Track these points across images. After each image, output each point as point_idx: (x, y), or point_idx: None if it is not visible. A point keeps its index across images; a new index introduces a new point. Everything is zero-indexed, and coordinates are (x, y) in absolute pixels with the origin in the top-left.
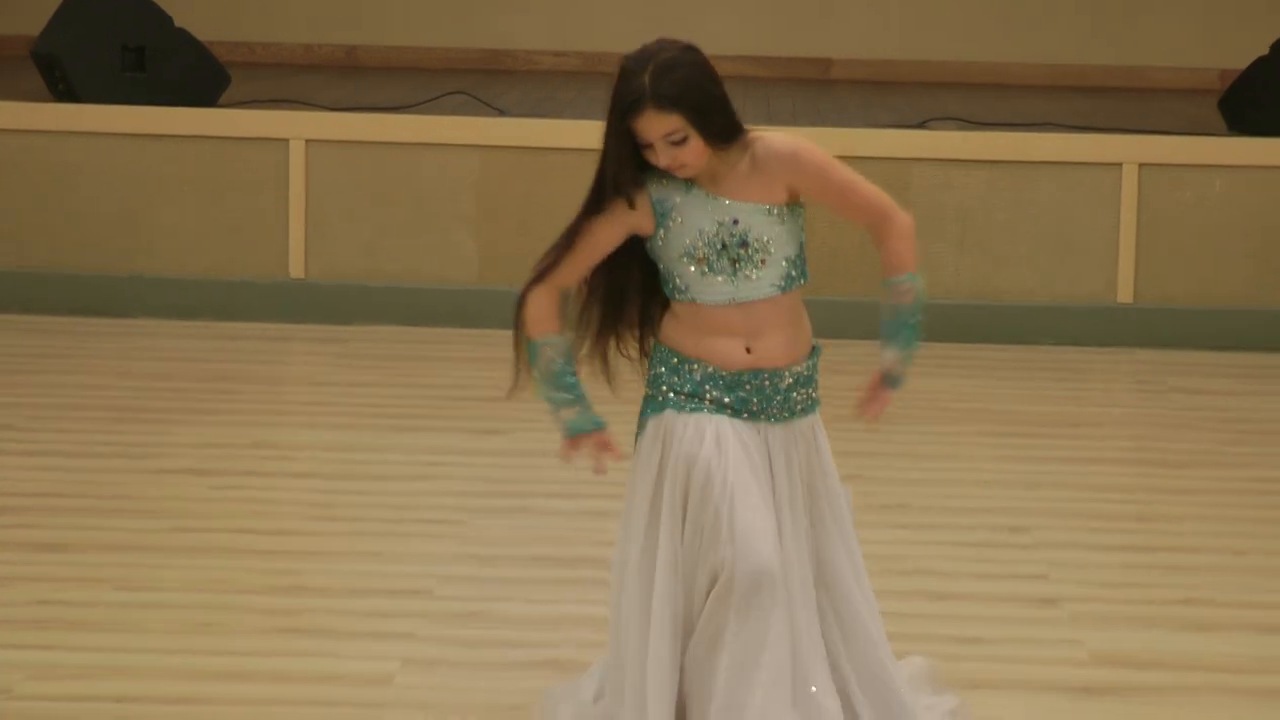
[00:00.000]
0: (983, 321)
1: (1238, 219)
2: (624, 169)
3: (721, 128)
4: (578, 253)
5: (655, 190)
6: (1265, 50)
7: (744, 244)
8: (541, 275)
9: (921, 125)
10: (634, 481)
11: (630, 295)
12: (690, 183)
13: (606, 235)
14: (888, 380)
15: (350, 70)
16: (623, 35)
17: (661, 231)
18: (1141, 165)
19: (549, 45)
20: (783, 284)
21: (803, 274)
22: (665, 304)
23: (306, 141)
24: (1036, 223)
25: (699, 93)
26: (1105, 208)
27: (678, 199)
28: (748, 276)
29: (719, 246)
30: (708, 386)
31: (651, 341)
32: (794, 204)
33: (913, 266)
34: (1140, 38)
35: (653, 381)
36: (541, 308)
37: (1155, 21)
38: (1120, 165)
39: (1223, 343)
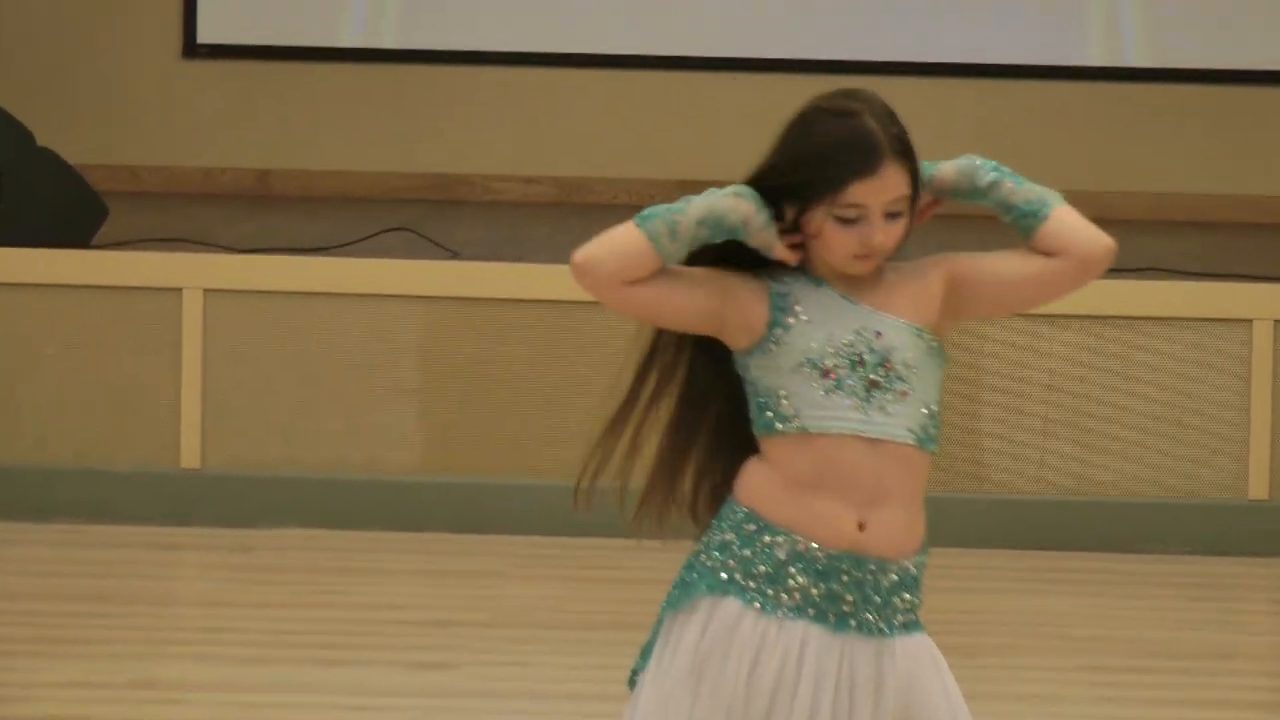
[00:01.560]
0: (1074, 524)
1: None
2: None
3: (915, 216)
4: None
5: (772, 280)
6: None
7: (886, 364)
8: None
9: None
10: (660, 691)
11: (702, 429)
12: (820, 280)
13: (713, 283)
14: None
15: (261, 201)
16: (608, 157)
17: (777, 330)
18: (1278, 321)
19: (515, 169)
20: (920, 435)
21: (936, 442)
22: (740, 455)
23: (205, 291)
24: (1145, 395)
25: (917, 164)
26: (1233, 375)
27: (803, 295)
28: (882, 408)
29: (854, 358)
30: (793, 570)
31: (713, 503)
32: (941, 345)
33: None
34: (1274, 159)
35: (708, 549)
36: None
37: None
38: (1251, 322)
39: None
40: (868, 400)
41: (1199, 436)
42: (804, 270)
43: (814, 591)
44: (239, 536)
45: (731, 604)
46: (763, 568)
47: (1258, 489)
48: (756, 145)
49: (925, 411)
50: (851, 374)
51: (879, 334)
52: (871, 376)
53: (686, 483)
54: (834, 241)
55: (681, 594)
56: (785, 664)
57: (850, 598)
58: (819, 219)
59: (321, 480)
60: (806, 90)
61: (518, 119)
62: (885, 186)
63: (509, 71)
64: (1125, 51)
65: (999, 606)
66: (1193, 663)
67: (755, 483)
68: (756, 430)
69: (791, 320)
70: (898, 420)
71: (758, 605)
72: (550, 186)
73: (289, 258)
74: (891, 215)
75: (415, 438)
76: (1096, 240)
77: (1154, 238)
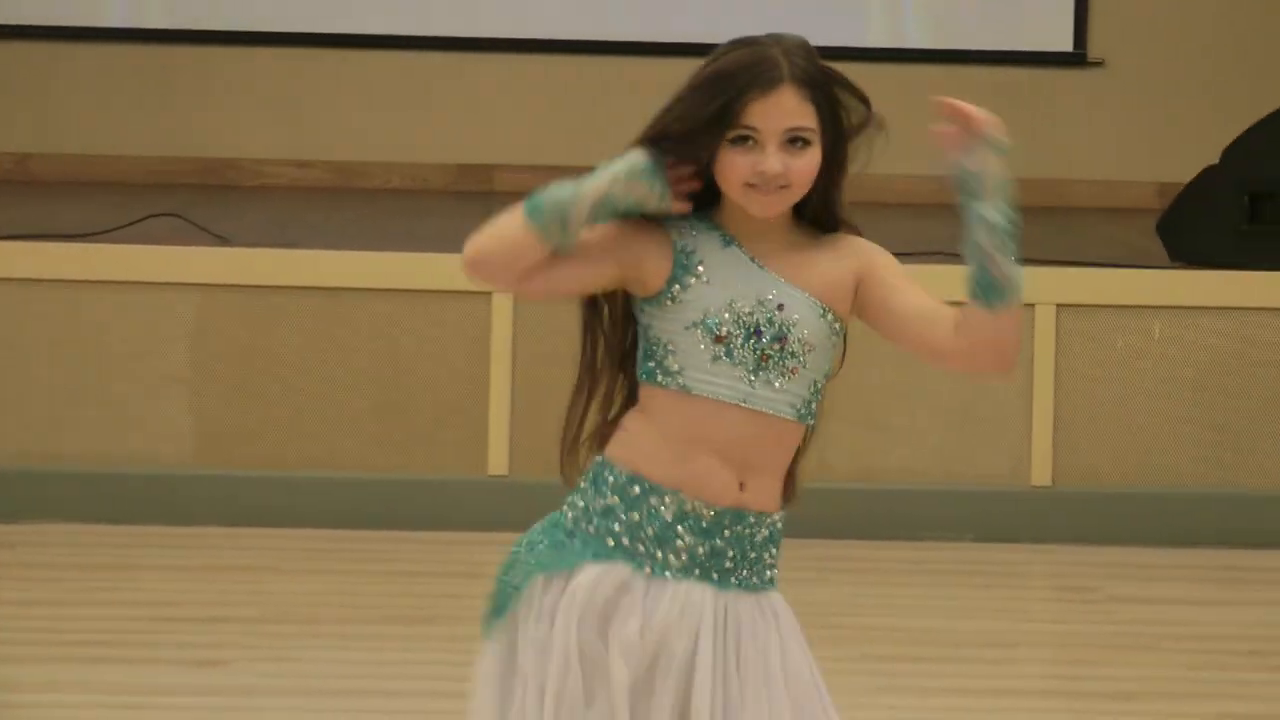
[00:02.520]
0: (864, 511)
1: (1185, 374)
2: (697, 144)
3: (840, 173)
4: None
5: (678, 235)
6: (1214, 158)
7: (781, 339)
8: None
9: None
10: (535, 660)
11: (603, 373)
12: (730, 239)
13: (612, 238)
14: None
15: (21, 186)
16: (383, 141)
17: (676, 287)
18: (1060, 306)
19: (287, 153)
20: (801, 411)
21: (815, 414)
22: (622, 403)
23: None
24: (927, 383)
25: (838, 107)
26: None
27: (709, 253)
28: (769, 382)
29: (751, 329)
30: (680, 529)
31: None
32: (843, 324)
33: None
34: (1058, 145)
35: (587, 515)
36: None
37: (1077, 126)
38: (1033, 306)
39: (1170, 537)
40: (754, 373)
41: (980, 424)
42: (716, 224)
43: (700, 550)
44: (1, 532)
45: (620, 569)
46: (650, 529)
47: (1040, 475)
48: (533, 126)
49: (811, 389)
50: (745, 344)
51: (781, 306)
52: (765, 351)
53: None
54: (727, 168)
55: (556, 557)
56: (675, 622)
57: (731, 553)
58: (720, 148)
59: (88, 474)
60: (584, 71)
61: (289, 101)
62: (781, 109)
63: (280, 53)
64: (906, 32)
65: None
66: (969, 650)
67: (637, 442)
68: (639, 374)
69: (692, 280)
70: (782, 396)
71: (647, 569)
72: (323, 171)
73: (51, 244)
74: (791, 143)
75: (186, 430)
76: (1008, 357)
77: (935, 221)
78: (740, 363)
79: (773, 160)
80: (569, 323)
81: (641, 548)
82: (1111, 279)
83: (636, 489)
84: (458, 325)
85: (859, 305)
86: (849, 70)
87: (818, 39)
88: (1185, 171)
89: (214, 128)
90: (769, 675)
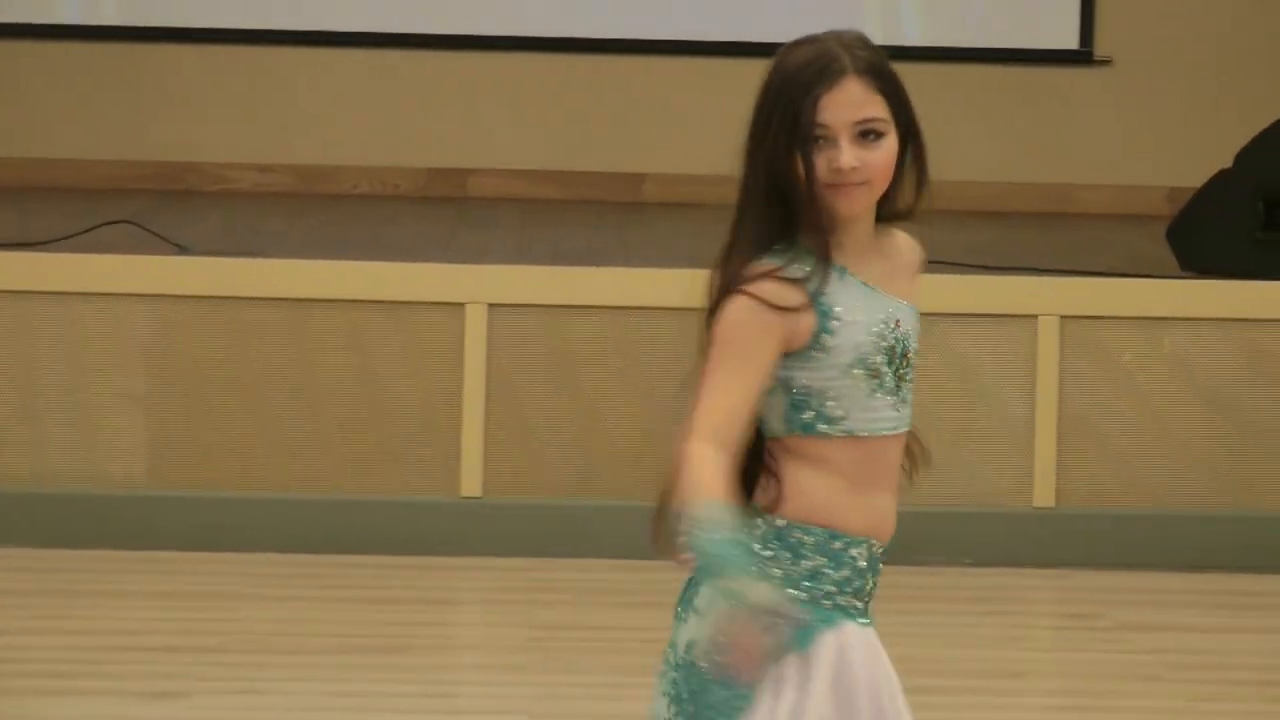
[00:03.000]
0: None
1: (1195, 390)
2: (787, 192)
3: (918, 164)
4: (737, 389)
5: (807, 284)
6: (1228, 162)
7: (905, 354)
8: (710, 429)
9: None
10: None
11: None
12: (843, 270)
13: (768, 358)
14: None
15: None
16: (350, 144)
17: (824, 337)
18: (1064, 318)
19: (250, 157)
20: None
21: None
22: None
23: None
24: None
25: (906, 95)
26: (1016, 375)
27: (835, 292)
28: (904, 400)
29: (889, 355)
30: (869, 575)
31: (761, 522)
32: None
33: None
34: (1063, 148)
35: (793, 582)
36: (708, 474)
37: (1083, 127)
38: (1036, 318)
39: (1180, 561)
40: (897, 394)
41: (981, 442)
42: (813, 252)
43: (869, 587)
44: None
45: (848, 628)
46: (855, 583)
47: (1043, 497)
48: (510, 128)
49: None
50: (889, 370)
51: (899, 323)
52: (899, 370)
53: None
54: (813, 174)
55: (804, 635)
56: (876, 666)
57: (871, 587)
58: (797, 158)
59: (38, 495)
60: (563, 70)
61: (251, 102)
62: (849, 101)
63: (242, 51)
64: (903, 31)
65: None
66: (971, 680)
67: (819, 497)
68: (785, 428)
69: (836, 324)
70: (909, 410)
71: (858, 620)
72: (287, 175)
73: (2, 253)
74: (863, 136)
75: (142, 448)
76: None
77: (936, 229)
78: (889, 390)
79: (846, 155)
80: (548, 333)
81: (857, 602)
82: (1118, 289)
83: (837, 544)
84: (429, 338)
85: None
86: None
87: None
88: (1197, 176)
89: (172, 130)
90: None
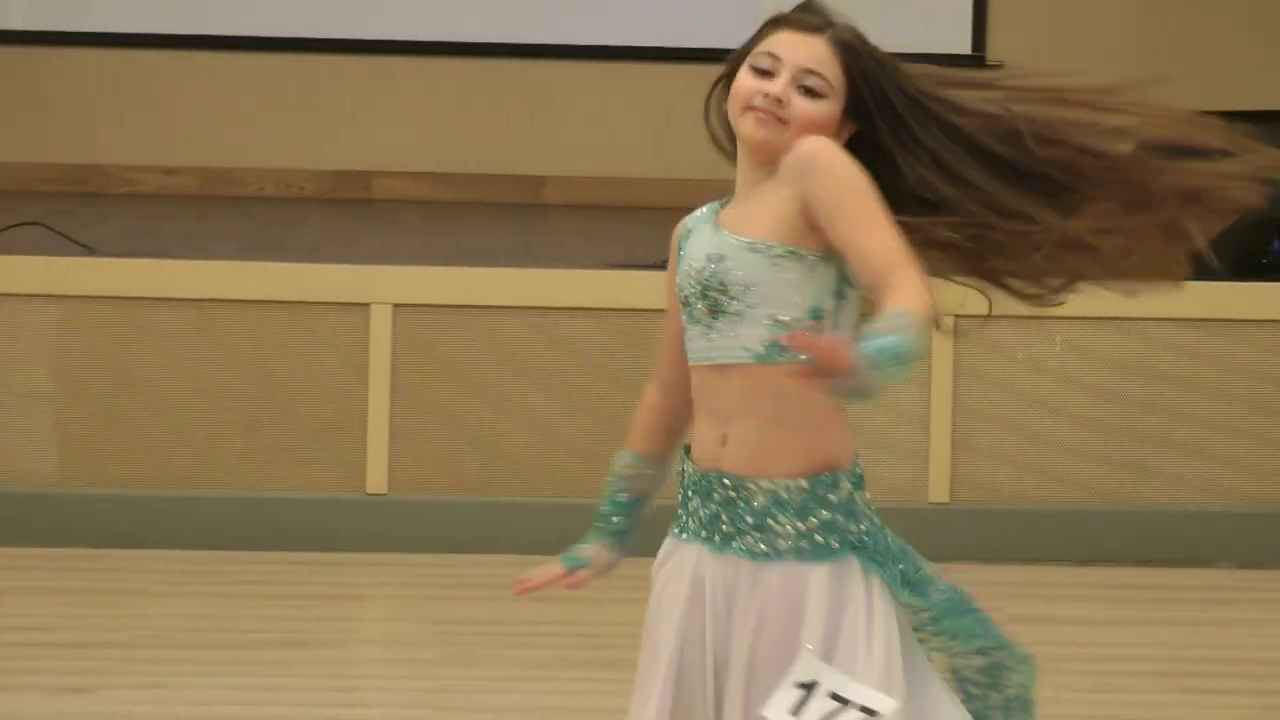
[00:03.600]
0: None
1: (1086, 387)
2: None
3: (913, 148)
4: (666, 320)
5: (686, 226)
6: None
7: (722, 287)
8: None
9: (665, 265)
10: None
11: None
12: (716, 210)
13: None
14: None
15: None
16: (254, 146)
17: (677, 277)
18: (958, 316)
19: (154, 159)
20: (761, 351)
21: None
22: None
23: None
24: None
25: (871, 80)
26: (913, 375)
27: (695, 232)
28: (722, 332)
29: (700, 289)
30: (690, 493)
31: None
32: (809, 251)
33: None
34: None
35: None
36: (638, 413)
37: None
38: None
39: (1071, 555)
40: (710, 327)
41: (877, 438)
42: (730, 196)
43: (702, 513)
44: None
45: (667, 540)
46: (680, 493)
47: (938, 492)
48: (413, 132)
49: (772, 323)
50: (698, 302)
51: (722, 257)
52: (711, 303)
53: None
54: (738, 88)
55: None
56: (676, 581)
57: (725, 517)
58: (744, 77)
59: None
60: (466, 75)
61: (157, 105)
62: (808, 51)
63: (147, 55)
64: None
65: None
66: None
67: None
68: None
69: (680, 264)
70: (735, 341)
71: (676, 529)
72: (192, 177)
73: None
74: (805, 89)
75: (50, 447)
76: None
77: None
78: (698, 320)
79: (778, 88)
80: (451, 333)
81: (680, 512)
82: None
83: (683, 452)
84: (334, 338)
85: (808, 214)
86: None
87: (719, 44)
88: None
89: (78, 133)
90: (746, 642)
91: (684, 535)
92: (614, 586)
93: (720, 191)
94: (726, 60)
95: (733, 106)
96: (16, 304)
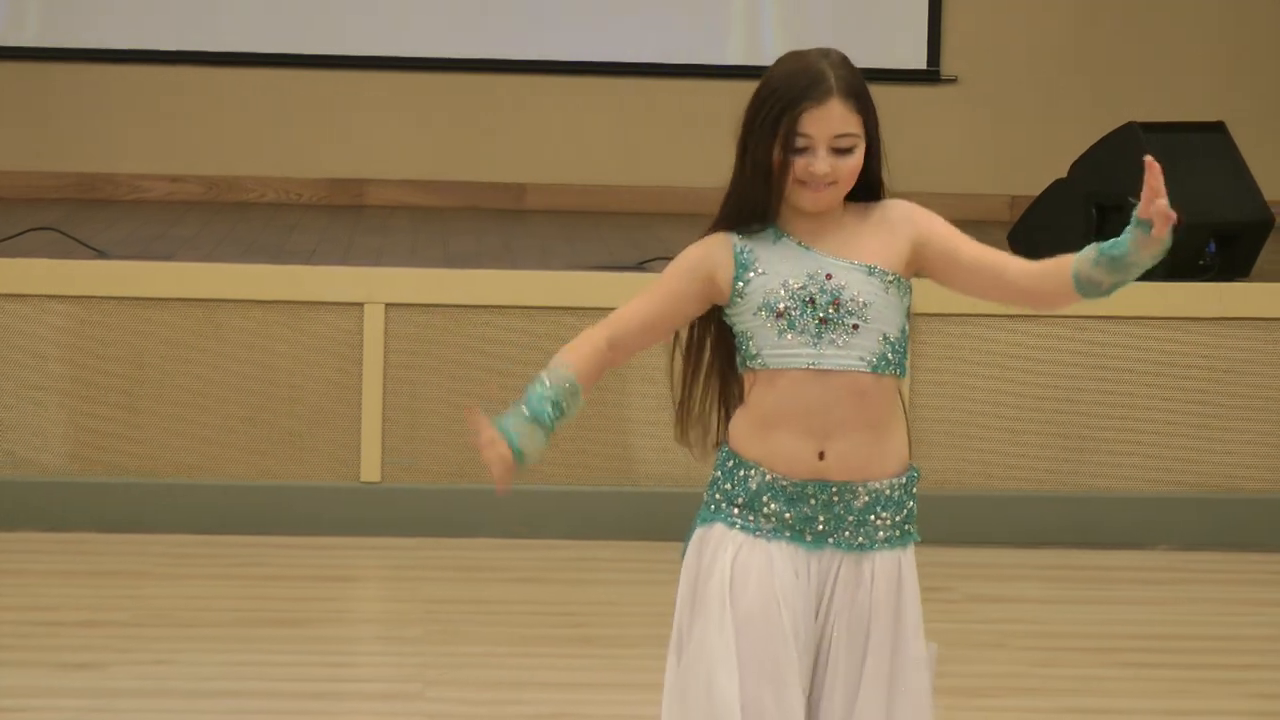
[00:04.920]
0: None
1: (1032, 381)
2: (764, 181)
3: (878, 164)
4: (644, 299)
5: (739, 240)
6: (1063, 172)
7: (835, 301)
8: (608, 318)
9: (641, 266)
10: (677, 607)
11: (713, 378)
12: (781, 233)
13: (681, 284)
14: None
15: None
16: (255, 155)
17: (740, 284)
18: (916, 315)
19: (162, 169)
20: (874, 362)
21: (900, 365)
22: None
23: None
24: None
25: (874, 109)
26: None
27: (763, 249)
28: (833, 343)
29: (805, 300)
30: (765, 498)
31: (721, 439)
32: (901, 277)
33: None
34: (915, 160)
35: (710, 485)
36: (579, 343)
37: (931, 141)
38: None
39: (1021, 538)
40: (819, 337)
41: None
42: (772, 224)
43: (787, 515)
44: None
45: (718, 528)
46: (741, 497)
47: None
48: (404, 141)
49: (882, 339)
50: (803, 314)
51: (829, 275)
52: (821, 315)
53: (710, 418)
54: (789, 169)
55: (690, 530)
56: (761, 572)
57: (822, 518)
58: (778, 154)
59: None
60: (455, 87)
61: (163, 117)
62: (831, 117)
63: (154, 70)
64: (764, 50)
65: (630, 598)
66: None
67: (735, 426)
68: (738, 368)
69: (751, 275)
70: (850, 352)
71: (738, 526)
72: (197, 185)
73: None
74: (838, 151)
75: (62, 438)
76: (1057, 309)
77: None
78: (804, 330)
79: (821, 163)
80: (440, 330)
81: (736, 510)
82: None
83: (730, 463)
84: (330, 335)
85: (924, 266)
86: (709, 87)
87: (679, 57)
88: (1035, 184)
89: (90, 143)
90: (854, 626)
91: (757, 533)
92: (590, 568)
93: (688, 199)
94: (747, 142)
95: (782, 181)
96: (32, 304)
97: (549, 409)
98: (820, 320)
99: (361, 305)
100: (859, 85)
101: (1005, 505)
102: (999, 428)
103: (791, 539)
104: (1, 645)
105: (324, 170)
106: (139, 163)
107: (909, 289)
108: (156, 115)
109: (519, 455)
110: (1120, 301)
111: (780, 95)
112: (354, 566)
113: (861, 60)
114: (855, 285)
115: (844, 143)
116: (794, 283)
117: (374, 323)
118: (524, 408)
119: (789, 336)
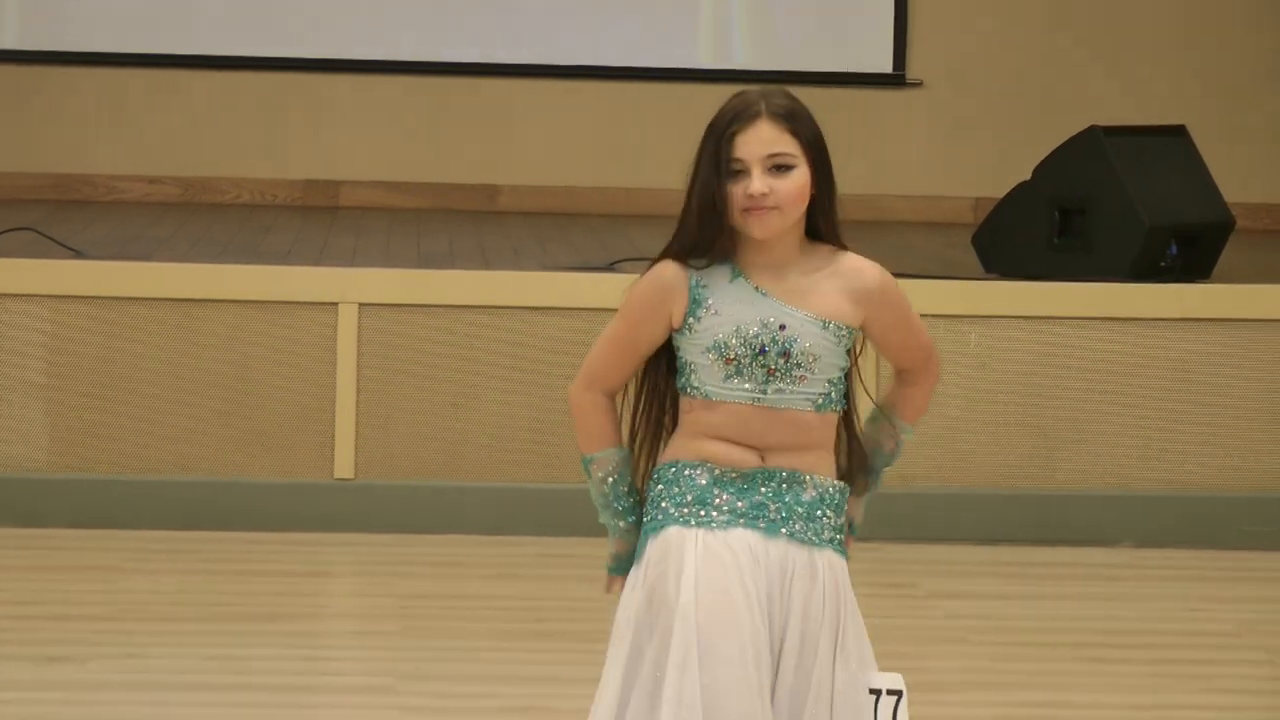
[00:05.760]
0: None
1: (998, 381)
2: (709, 213)
3: (828, 195)
4: (621, 345)
5: (695, 275)
6: (1027, 175)
7: (786, 354)
8: (588, 376)
9: (611, 267)
10: (620, 607)
11: (667, 406)
12: (738, 273)
13: (647, 327)
14: (850, 527)
15: None
16: (230, 157)
17: (691, 320)
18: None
19: (138, 170)
20: (819, 402)
21: (841, 400)
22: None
23: None
24: None
25: (818, 136)
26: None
27: (717, 288)
28: (780, 390)
29: (756, 350)
30: (716, 490)
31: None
32: (851, 329)
33: (914, 421)
34: (878, 161)
35: (650, 503)
36: (593, 417)
37: (896, 144)
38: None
39: (984, 535)
40: (765, 383)
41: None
42: (731, 263)
43: (740, 504)
44: None
45: (672, 530)
46: (690, 495)
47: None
48: (378, 143)
49: (826, 384)
50: (752, 363)
51: (783, 326)
52: (770, 366)
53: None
54: (729, 200)
55: (639, 548)
56: (722, 558)
57: (774, 506)
58: (719, 184)
59: None
60: (427, 90)
61: (139, 119)
62: (761, 139)
63: (131, 73)
64: (734, 54)
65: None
66: None
67: (672, 446)
68: (678, 387)
69: (703, 313)
70: (795, 396)
71: (693, 524)
72: (173, 186)
73: None
74: (775, 169)
75: (42, 435)
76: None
77: None
78: (751, 377)
79: (757, 183)
80: (413, 330)
81: (685, 510)
82: (929, 289)
83: (672, 470)
84: (304, 334)
85: (865, 323)
86: (678, 90)
87: (651, 61)
88: (999, 187)
89: (67, 145)
90: (807, 614)
91: (712, 526)
92: (559, 565)
93: (658, 200)
94: (693, 178)
95: (733, 214)
96: (11, 303)
97: (623, 514)
98: (768, 370)
99: (336, 305)
100: (794, 109)
101: (968, 502)
102: (964, 427)
103: (747, 525)
104: None
105: (299, 172)
106: (116, 164)
107: (854, 331)
108: (133, 118)
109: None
110: (1083, 302)
111: (716, 127)
112: (329, 562)
113: (828, 64)
114: (808, 338)
115: (778, 161)
116: (747, 329)
117: (348, 322)
118: (629, 522)
119: (734, 380)
